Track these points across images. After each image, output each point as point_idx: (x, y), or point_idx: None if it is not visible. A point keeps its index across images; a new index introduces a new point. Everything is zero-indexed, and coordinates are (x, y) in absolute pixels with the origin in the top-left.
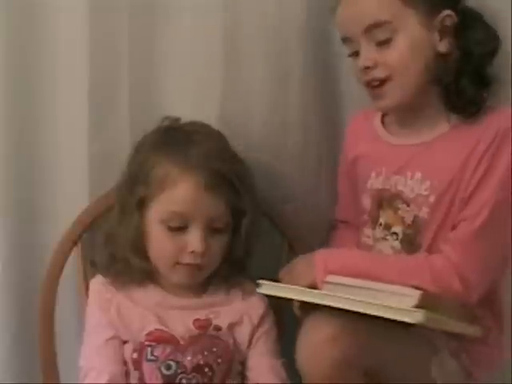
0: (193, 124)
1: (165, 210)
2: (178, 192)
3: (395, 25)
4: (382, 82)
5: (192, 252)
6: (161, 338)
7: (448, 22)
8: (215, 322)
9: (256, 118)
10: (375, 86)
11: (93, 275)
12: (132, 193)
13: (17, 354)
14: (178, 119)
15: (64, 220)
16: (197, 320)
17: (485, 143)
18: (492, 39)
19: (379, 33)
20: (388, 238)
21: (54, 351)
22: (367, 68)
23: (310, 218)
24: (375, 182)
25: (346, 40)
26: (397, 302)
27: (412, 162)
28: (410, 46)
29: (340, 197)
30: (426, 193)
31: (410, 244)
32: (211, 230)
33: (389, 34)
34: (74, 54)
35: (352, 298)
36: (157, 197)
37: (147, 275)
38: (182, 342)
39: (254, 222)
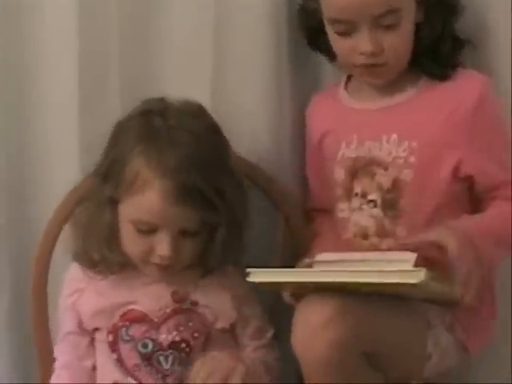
0: (182, 113)
1: (132, 214)
2: (145, 201)
3: (403, 12)
4: (380, 65)
5: (160, 256)
6: (134, 318)
7: None
8: (192, 296)
9: (248, 99)
10: (374, 67)
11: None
12: (103, 190)
13: (10, 329)
14: (163, 101)
15: (56, 196)
16: (175, 293)
17: (466, 108)
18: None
19: (388, 19)
20: (364, 206)
21: (47, 324)
22: (372, 53)
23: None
24: (347, 152)
25: (340, 21)
26: (392, 267)
27: (385, 125)
28: (411, 29)
29: (311, 184)
30: (404, 154)
31: (392, 209)
32: (182, 234)
33: (396, 21)
34: (64, 30)
35: (349, 269)
36: (125, 199)
37: (123, 266)
38: (156, 320)
39: (234, 234)
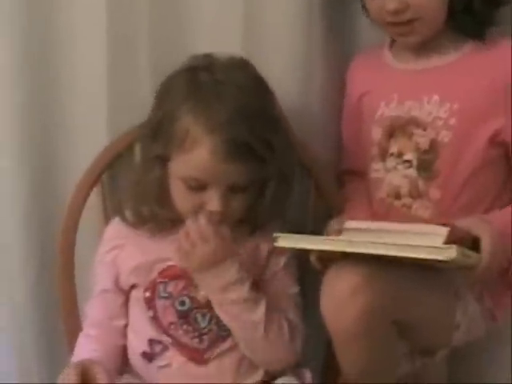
0: (228, 68)
1: (183, 172)
2: (196, 158)
3: None
4: (412, 20)
5: (211, 211)
6: (173, 274)
7: None
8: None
9: (278, 56)
10: (403, 25)
11: (112, 214)
12: (152, 147)
13: (38, 294)
14: (209, 57)
15: (84, 159)
16: None
17: (508, 76)
18: None
19: None
20: (399, 166)
21: (74, 291)
22: (396, 11)
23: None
24: (386, 111)
25: None
26: (423, 242)
27: (427, 85)
28: None
29: (346, 144)
30: (445, 115)
31: (428, 170)
32: (232, 190)
33: None
34: None
35: (378, 241)
36: (175, 156)
37: (173, 223)
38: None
39: (283, 188)
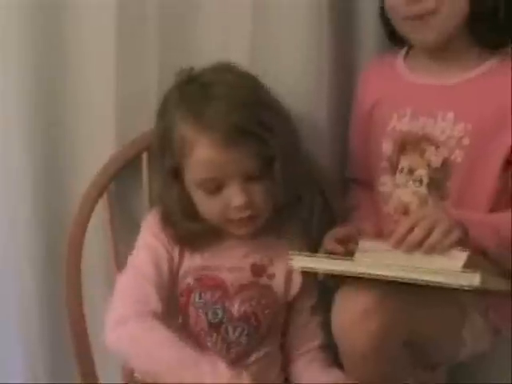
0: (213, 71)
1: (194, 177)
2: (198, 158)
3: None
4: (429, 13)
5: (237, 207)
6: (211, 284)
7: None
8: (270, 269)
9: (286, 64)
10: (420, 18)
11: (120, 224)
12: (164, 163)
13: (45, 299)
14: (193, 68)
15: (91, 168)
16: (254, 265)
17: None
18: None
19: None
20: (409, 183)
21: (81, 301)
22: (410, 0)
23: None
24: (398, 124)
25: None
26: (441, 264)
27: (443, 102)
28: None
29: (353, 151)
30: (459, 134)
31: (438, 189)
32: (249, 180)
33: None
34: None
35: (395, 264)
36: (184, 164)
37: (210, 235)
38: (231, 289)
39: (290, 164)
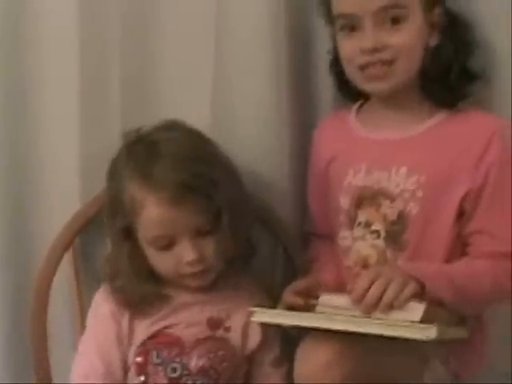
0: (160, 130)
1: (145, 235)
2: (148, 217)
3: (408, 10)
4: (384, 64)
5: (188, 262)
6: (167, 342)
7: (439, 19)
8: (226, 322)
9: (247, 122)
10: (380, 65)
11: (85, 278)
12: (115, 224)
13: (10, 355)
14: (139, 129)
15: (56, 224)
16: (210, 319)
17: (480, 147)
18: (471, 38)
19: (394, 15)
20: (367, 237)
21: (47, 355)
22: (374, 49)
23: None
24: (354, 180)
25: (344, 16)
26: (400, 317)
27: (396, 156)
28: (417, 32)
29: (312, 209)
30: (412, 187)
31: (395, 241)
32: (199, 235)
33: (401, 18)
34: (65, 55)
35: (355, 318)
36: (136, 222)
37: (156, 294)
38: (187, 344)
39: (238, 217)
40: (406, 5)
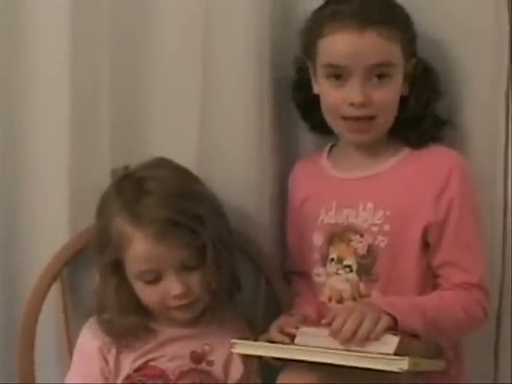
0: (148, 167)
1: (132, 269)
2: (135, 250)
3: (394, 68)
4: (368, 118)
5: (175, 296)
6: (152, 375)
7: (413, 70)
8: (209, 356)
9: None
10: (364, 120)
11: (73, 311)
12: (103, 258)
13: None
14: (127, 166)
15: (44, 254)
16: (194, 352)
17: (440, 180)
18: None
19: (381, 72)
20: (340, 272)
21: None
22: (362, 104)
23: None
24: (326, 218)
25: (335, 67)
26: (375, 349)
27: (363, 193)
28: (398, 88)
29: (290, 247)
30: (379, 222)
31: (368, 274)
32: (185, 269)
33: (389, 76)
34: (55, 87)
35: (330, 350)
36: (123, 257)
37: (142, 328)
38: (172, 377)
39: (223, 252)
40: (396, 63)
